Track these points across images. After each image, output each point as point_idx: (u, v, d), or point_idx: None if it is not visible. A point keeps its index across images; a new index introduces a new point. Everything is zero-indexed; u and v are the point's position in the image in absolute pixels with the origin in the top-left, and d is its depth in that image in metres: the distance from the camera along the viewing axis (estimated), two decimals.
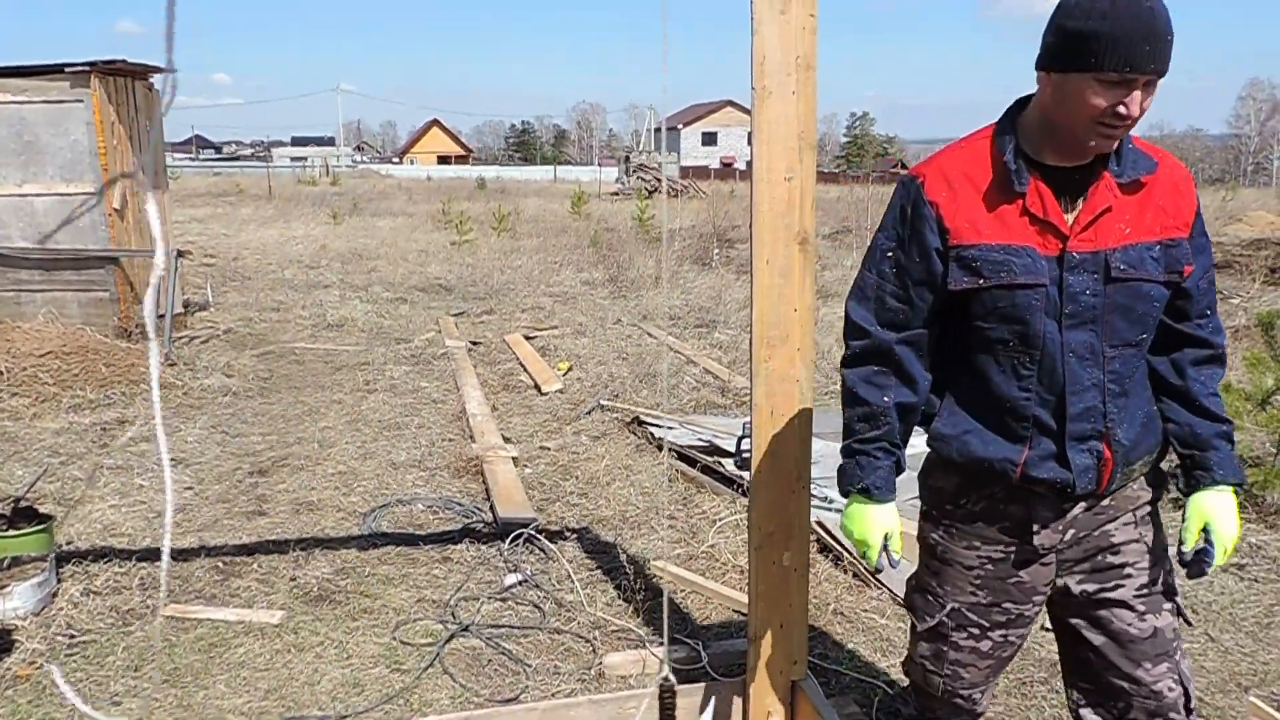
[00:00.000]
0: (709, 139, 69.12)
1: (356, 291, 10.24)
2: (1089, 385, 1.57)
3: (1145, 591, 1.66)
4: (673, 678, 1.81)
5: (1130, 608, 1.66)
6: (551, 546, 3.64)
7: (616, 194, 29.79)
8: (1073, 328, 1.55)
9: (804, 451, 2.17)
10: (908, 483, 4.57)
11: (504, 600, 3.25)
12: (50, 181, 6.87)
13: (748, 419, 2.20)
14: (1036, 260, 1.53)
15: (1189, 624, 1.78)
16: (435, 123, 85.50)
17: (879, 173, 40.97)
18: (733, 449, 4.41)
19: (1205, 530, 1.63)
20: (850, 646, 2.94)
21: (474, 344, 7.69)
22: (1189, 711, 1.68)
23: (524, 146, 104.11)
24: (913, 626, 1.85)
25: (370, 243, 14.93)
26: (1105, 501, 1.65)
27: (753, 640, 2.24)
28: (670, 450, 4.49)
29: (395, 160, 77.68)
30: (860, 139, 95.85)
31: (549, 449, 4.99)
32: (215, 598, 3.21)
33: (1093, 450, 1.58)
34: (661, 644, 2.87)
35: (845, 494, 1.72)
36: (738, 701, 2.33)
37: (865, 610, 3.17)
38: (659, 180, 28.74)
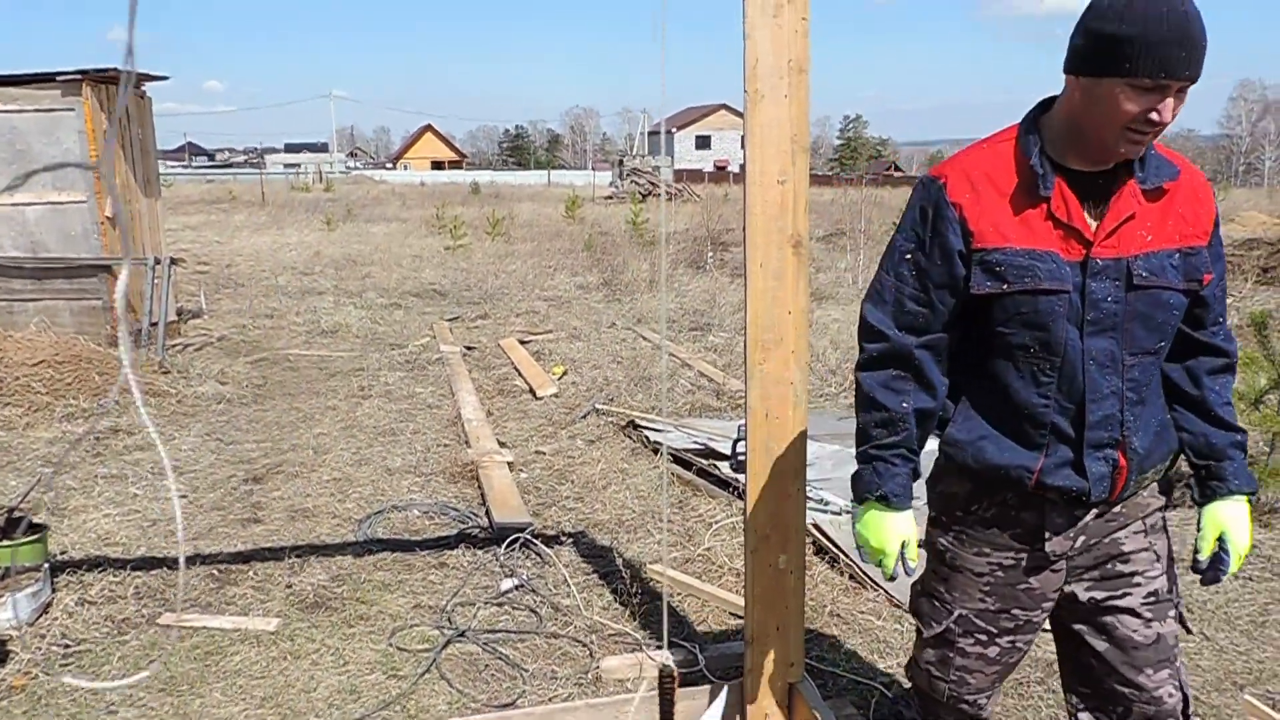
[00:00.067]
0: (703, 142, 69.24)
1: (351, 297, 10.22)
2: (1108, 393, 1.55)
3: (1153, 600, 1.66)
4: (672, 664, 1.80)
5: (1137, 615, 1.66)
6: (548, 551, 3.64)
7: (610, 198, 29.80)
8: (1094, 335, 1.53)
9: (799, 454, 2.17)
10: None
11: (500, 605, 3.24)
12: (42, 190, 6.85)
13: (743, 422, 2.20)
14: (1060, 266, 1.51)
15: (1188, 631, 1.78)
16: (429, 128, 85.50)
17: (872, 175, 41.05)
18: (728, 452, 4.41)
19: (1220, 539, 1.64)
20: (847, 648, 2.94)
21: (468, 349, 7.68)
22: (1187, 717, 1.68)
23: (518, 151, 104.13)
24: (918, 632, 1.83)
25: (364, 248, 14.92)
26: (1116, 508, 1.65)
27: (750, 643, 2.24)
28: (666, 454, 4.49)
29: (389, 166, 77.67)
30: (854, 142, 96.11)
31: (544, 453, 4.98)
32: (211, 606, 3.20)
33: (1109, 459, 1.57)
34: (659, 647, 2.87)
35: (860, 500, 1.69)
36: (735, 704, 2.33)
37: (862, 612, 3.17)
38: (653, 184, 28.75)
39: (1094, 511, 1.63)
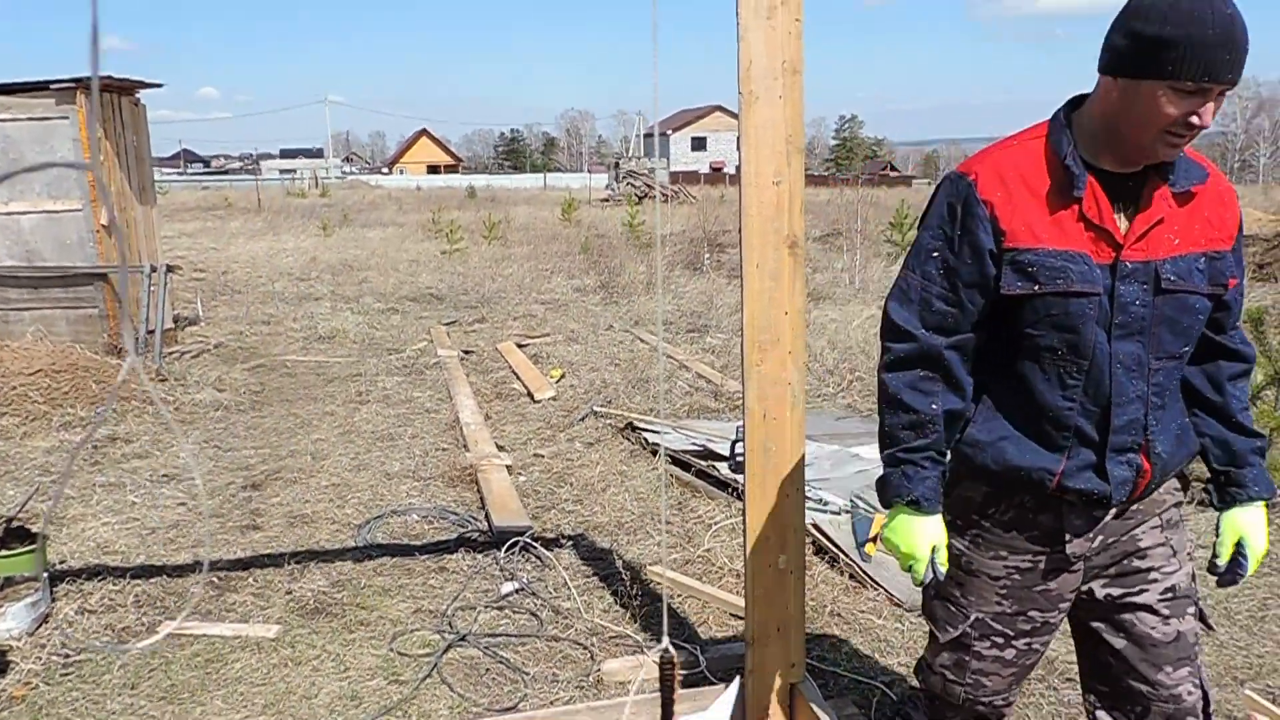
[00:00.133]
0: (698, 144, 69.28)
1: (347, 303, 10.22)
2: (1133, 397, 1.54)
3: (1170, 596, 1.65)
4: (672, 650, 1.79)
5: (1155, 612, 1.64)
6: (547, 554, 3.63)
7: (607, 200, 29.82)
8: (1121, 338, 1.51)
9: (797, 454, 2.18)
10: None
11: (501, 609, 3.24)
12: (37, 199, 6.85)
13: (741, 423, 2.20)
14: (1092, 268, 1.49)
15: (1210, 629, 1.76)
16: (424, 132, 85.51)
17: (868, 175, 41.11)
18: (727, 453, 4.41)
19: (1238, 544, 1.64)
20: (848, 648, 2.94)
21: (466, 353, 7.68)
22: (1207, 716, 1.67)
23: (513, 154, 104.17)
24: (932, 636, 1.81)
25: (360, 253, 14.91)
26: (1134, 506, 1.64)
27: (750, 643, 2.24)
28: (665, 455, 4.50)
29: (384, 170, 77.65)
30: (849, 142, 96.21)
31: (543, 456, 4.98)
32: (211, 613, 3.20)
33: (1131, 463, 1.56)
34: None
35: (888, 505, 1.65)
36: (737, 705, 2.32)
37: (862, 611, 3.17)
38: (649, 186, 28.77)
39: (1112, 511, 1.61)
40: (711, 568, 3.55)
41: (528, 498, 4.36)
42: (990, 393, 1.64)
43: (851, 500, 3.90)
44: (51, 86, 6.71)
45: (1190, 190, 1.53)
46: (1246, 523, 1.65)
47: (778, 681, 2.27)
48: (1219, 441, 1.66)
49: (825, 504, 3.85)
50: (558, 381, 6.56)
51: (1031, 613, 1.68)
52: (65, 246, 6.93)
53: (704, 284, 10.96)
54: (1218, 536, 1.67)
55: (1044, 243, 1.50)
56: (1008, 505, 1.65)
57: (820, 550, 3.62)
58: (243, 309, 9.75)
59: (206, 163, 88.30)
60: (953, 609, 1.74)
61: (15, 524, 3.32)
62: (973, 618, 1.71)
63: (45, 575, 3.17)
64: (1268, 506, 1.68)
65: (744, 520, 2.21)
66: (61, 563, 3.58)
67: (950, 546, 1.74)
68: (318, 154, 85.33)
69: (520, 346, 7.78)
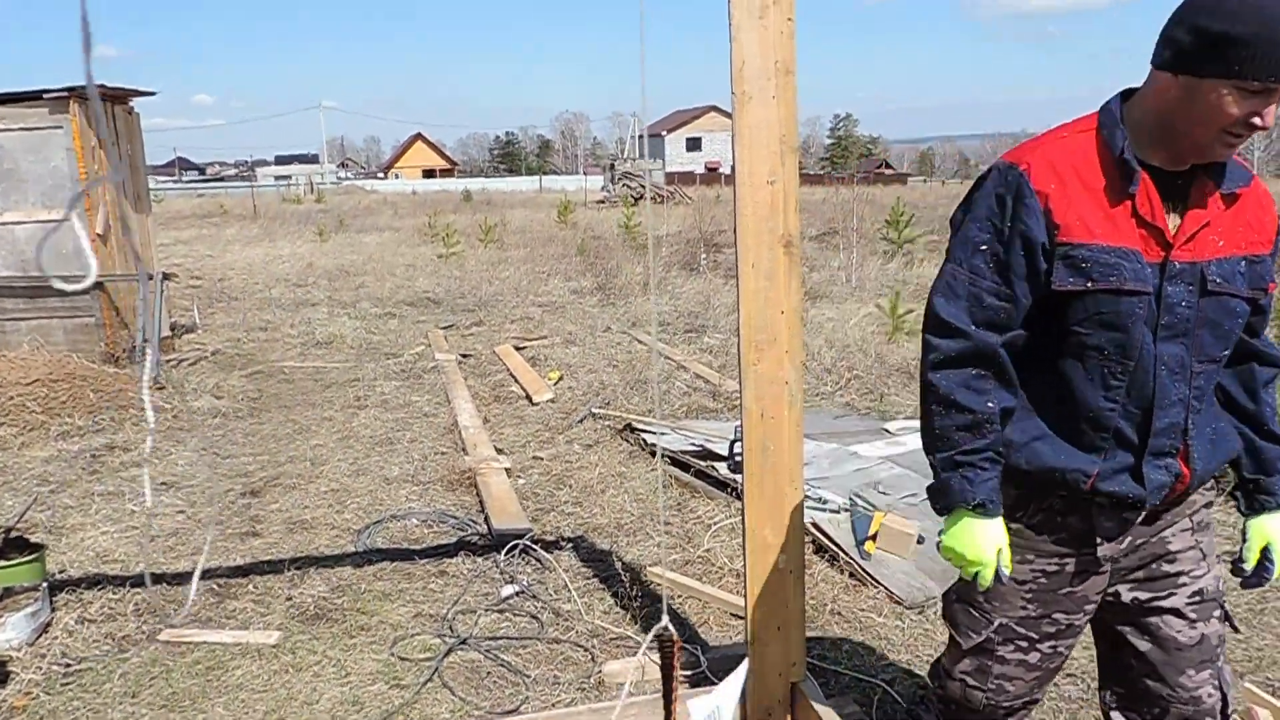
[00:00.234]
0: (693, 144, 69.30)
1: (344, 308, 10.21)
2: (1175, 400, 1.51)
3: (1197, 599, 1.63)
4: (671, 628, 1.78)
5: (1182, 615, 1.63)
6: (547, 556, 3.63)
7: (602, 202, 29.82)
8: (1166, 340, 1.48)
9: (796, 453, 2.18)
10: (902, 479, 4.56)
11: (501, 612, 3.24)
12: (31, 209, 6.85)
13: (739, 422, 2.20)
14: (1143, 266, 1.45)
15: (1236, 630, 1.75)
16: (419, 137, 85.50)
17: (864, 174, 41.14)
18: (725, 453, 4.42)
19: (1265, 549, 1.64)
20: (848, 646, 2.95)
21: (464, 356, 7.67)
22: (1225, 716, 1.66)
23: (509, 158, 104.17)
24: (952, 640, 1.78)
25: (357, 259, 14.91)
26: (1165, 509, 1.62)
27: (751, 643, 2.24)
28: (663, 456, 4.50)
29: (380, 175, 77.60)
30: (844, 140, 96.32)
31: (542, 459, 4.98)
32: (211, 620, 3.20)
33: (1170, 468, 1.54)
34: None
35: (948, 510, 1.57)
36: (737, 705, 2.32)
37: (863, 609, 3.17)
38: (643, 187, 28.77)
39: (1143, 514, 1.58)
40: (711, 568, 3.55)
41: (527, 500, 4.35)
42: (1027, 390, 1.59)
43: (850, 498, 3.90)
44: (45, 96, 6.71)
45: (1235, 192, 1.50)
46: (1274, 529, 1.64)
47: (779, 681, 2.27)
48: (1249, 449, 1.64)
49: (824, 503, 3.85)
50: (556, 384, 6.56)
51: (1056, 615, 1.65)
52: (61, 256, 6.92)
53: (701, 284, 10.97)
54: (1244, 541, 1.66)
55: (1098, 238, 1.45)
56: (1036, 508, 1.62)
57: (820, 549, 3.62)
58: (240, 316, 9.74)
59: (201, 170, 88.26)
60: (975, 614, 1.70)
61: (14, 534, 3.32)
62: (996, 623, 1.67)
63: (45, 585, 3.17)
64: None
65: (743, 520, 2.21)
66: (61, 572, 3.57)
67: None
68: (313, 160, 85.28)
69: (518, 349, 7.78)
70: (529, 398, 6.24)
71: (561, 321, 9.12)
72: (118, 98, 7.32)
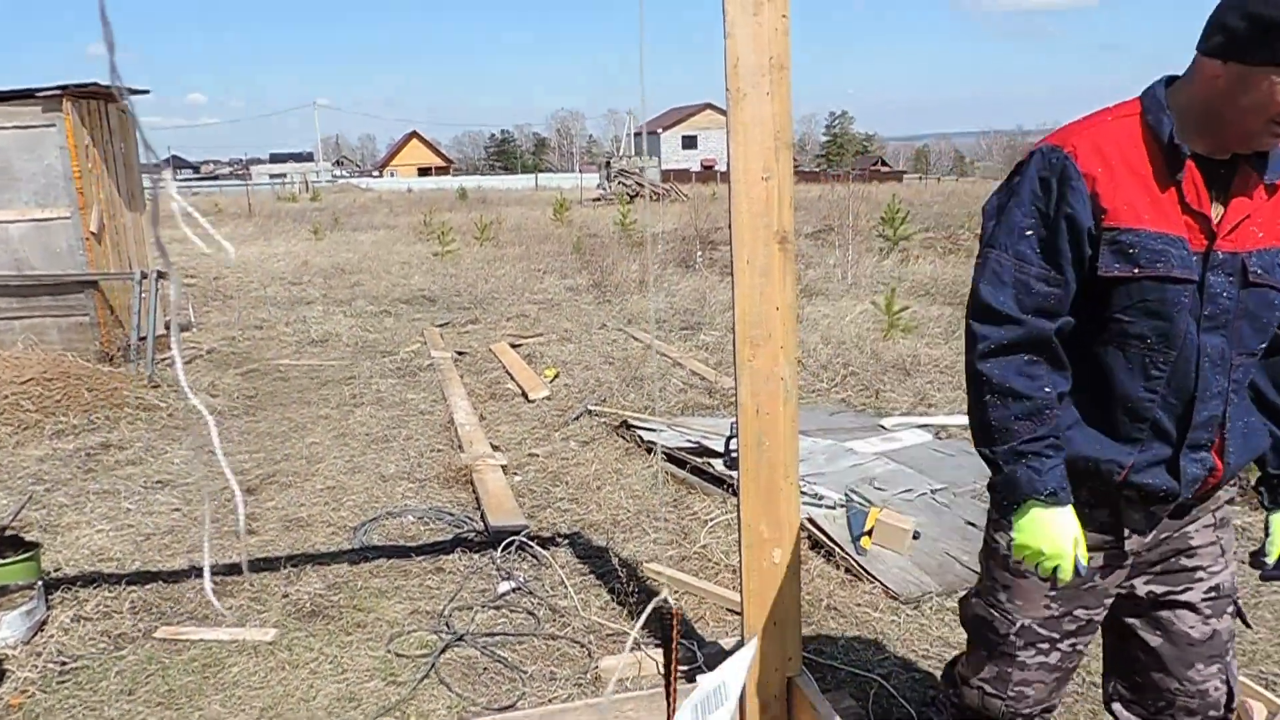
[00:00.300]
0: (689, 142, 69.29)
1: (340, 306, 10.20)
2: (1216, 393, 1.48)
3: (1213, 595, 1.63)
4: (672, 602, 1.78)
5: (1196, 610, 1.62)
6: (544, 553, 3.64)
7: (598, 200, 29.80)
8: (1209, 330, 1.46)
9: (791, 449, 2.18)
10: (897, 474, 4.57)
11: (498, 608, 3.24)
12: (24, 207, 6.82)
13: (735, 419, 2.21)
14: (1189, 254, 1.42)
15: (1248, 626, 1.75)
16: (414, 135, 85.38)
17: (859, 171, 41.20)
18: (721, 449, 4.42)
19: None
20: (844, 641, 2.95)
21: (460, 354, 7.67)
22: (1230, 709, 1.66)
23: (504, 155, 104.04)
24: (970, 646, 1.75)
25: (352, 257, 14.88)
26: (1194, 503, 1.60)
27: (747, 639, 2.25)
28: (659, 452, 4.50)
29: (375, 173, 77.51)
30: (840, 137, 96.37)
31: (538, 456, 4.99)
32: (208, 618, 3.20)
33: (1204, 462, 1.51)
34: (656, 645, 2.88)
35: (1016, 504, 1.50)
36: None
37: (858, 604, 3.18)
38: (640, 185, 28.76)
39: (1171, 508, 1.57)
40: (708, 564, 3.55)
41: (523, 497, 4.36)
42: None
43: (846, 494, 3.91)
44: (37, 95, 6.69)
45: (1277, 184, 1.47)
46: None
47: (775, 676, 2.28)
48: (1276, 445, 1.63)
49: (820, 498, 3.86)
50: (552, 381, 6.56)
51: (1078, 611, 1.63)
52: (54, 254, 6.91)
53: (696, 281, 10.97)
54: (1267, 535, 1.66)
55: (1145, 224, 1.42)
56: None
57: (816, 545, 3.63)
58: (235, 314, 9.72)
59: (196, 169, 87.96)
60: (996, 615, 1.67)
61: (9, 532, 3.31)
62: (1019, 624, 1.64)
63: (40, 583, 3.16)
64: None
65: (739, 516, 2.21)
66: (56, 570, 3.57)
67: (998, 546, 1.66)
68: (308, 158, 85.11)
69: (514, 347, 7.78)
70: (525, 395, 6.24)
71: (557, 319, 9.12)
72: (111, 96, 7.29)
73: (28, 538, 3.38)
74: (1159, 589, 1.63)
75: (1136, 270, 1.43)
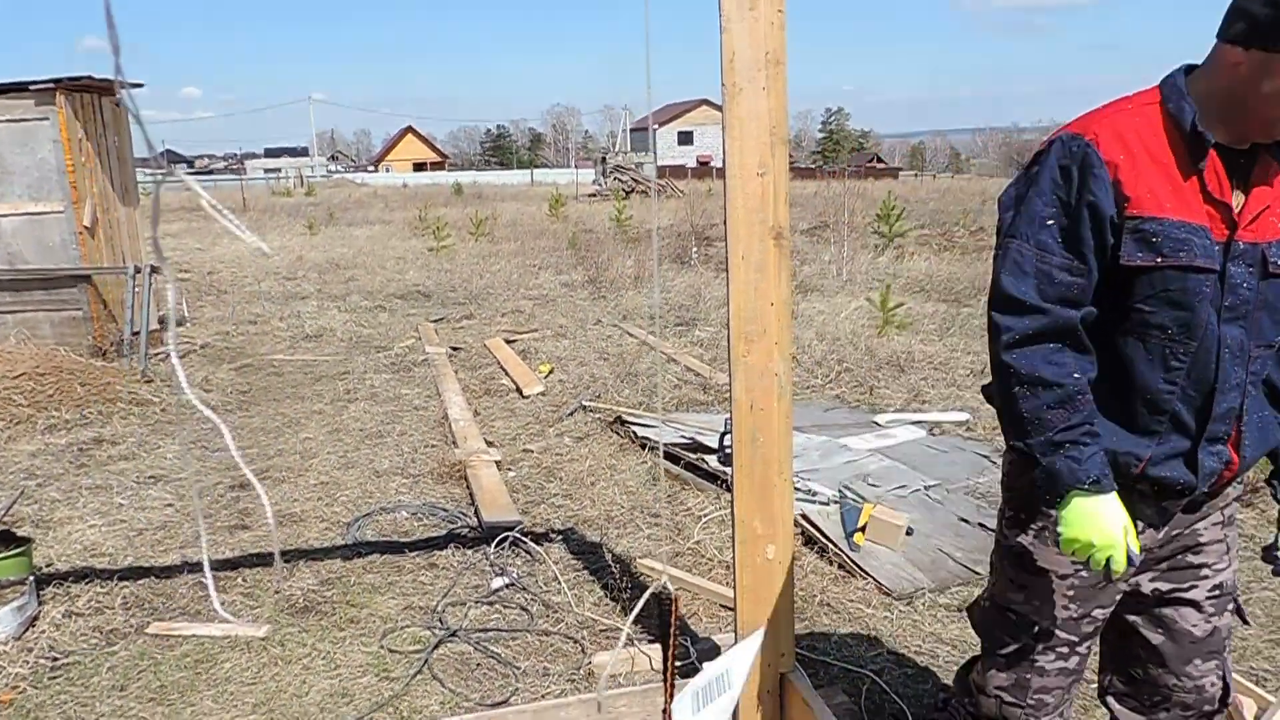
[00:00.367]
0: (685, 138, 69.25)
1: (334, 301, 10.17)
2: (1234, 385, 1.47)
3: (1216, 593, 1.62)
4: (670, 587, 1.78)
5: (1199, 608, 1.61)
6: (537, 548, 3.64)
7: (594, 195, 29.77)
8: (1229, 321, 1.44)
9: (785, 445, 2.18)
10: (891, 471, 4.57)
11: (491, 604, 3.24)
12: (18, 201, 6.79)
13: (729, 415, 2.20)
14: (1211, 244, 1.40)
15: (1246, 623, 1.74)
16: (409, 129, 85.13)
17: (855, 167, 41.21)
18: (715, 445, 4.42)
19: None
20: (837, 637, 2.96)
21: (454, 349, 7.66)
22: (1225, 704, 1.66)
23: (500, 151, 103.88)
24: (985, 652, 1.73)
25: (347, 252, 14.84)
26: (1207, 498, 1.59)
27: (740, 634, 2.25)
28: (654, 449, 4.50)
29: (370, 168, 77.31)
30: (836, 134, 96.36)
31: (532, 451, 4.98)
32: (200, 614, 3.19)
33: (1221, 455, 1.50)
34: (652, 641, 2.88)
35: (1060, 496, 1.46)
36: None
37: (851, 600, 3.18)
38: (636, 180, 28.73)
39: (1183, 503, 1.55)
40: (701, 560, 3.56)
41: (517, 493, 4.35)
42: None
43: (840, 490, 3.91)
44: (31, 88, 6.65)
45: None
46: None
47: (768, 671, 2.28)
48: None
49: (814, 494, 3.86)
50: (546, 377, 6.55)
51: (1095, 612, 1.61)
52: (47, 249, 6.87)
53: (692, 277, 10.96)
54: (1278, 529, 1.66)
55: (1168, 213, 1.40)
56: None
57: (809, 540, 3.63)
58: (228, 309, 9.69)
59: (190, 163, 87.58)
60: (1013, 619, 1.65)
61: (0, 528, 3.30)
62: (1036, 628, 1.62)
63: (31, 578, 3.15)
64: None
65: (733, 511, 2.21)
66: (48, 565, 3.55)
67: (1014, 545, 1.64)
68: (303, 153, 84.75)
69: (508, 342, 7.76)
70: (519, 391, 6.23)
71: (552, 315, 9.11)
72: (105, 89, 7.25)
73: (19, 533, 3.37)
74: (1164, 586, 1.62)
75: (1159, 259, 1.40)
